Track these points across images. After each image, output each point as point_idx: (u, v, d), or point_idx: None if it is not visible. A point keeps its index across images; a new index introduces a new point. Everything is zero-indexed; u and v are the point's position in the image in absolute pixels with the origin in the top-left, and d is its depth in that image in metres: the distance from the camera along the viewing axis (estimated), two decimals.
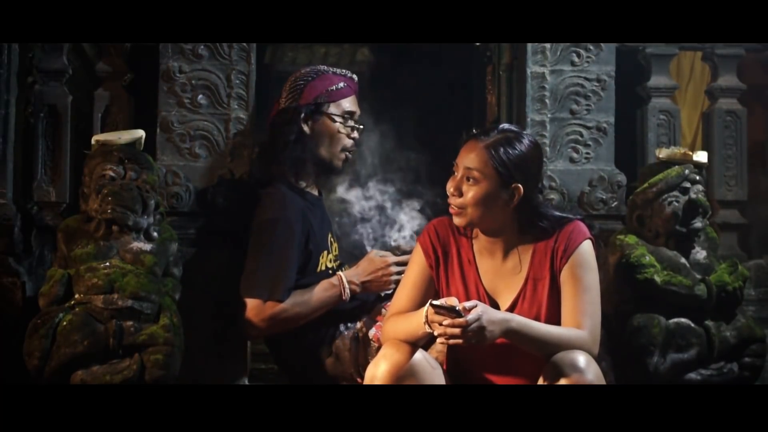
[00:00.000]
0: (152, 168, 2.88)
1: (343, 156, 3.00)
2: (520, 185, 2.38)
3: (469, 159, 2.39)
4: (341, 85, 3.00)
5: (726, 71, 3.55)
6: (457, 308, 2.23)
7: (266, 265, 2.82)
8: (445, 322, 2.22)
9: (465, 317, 2.21)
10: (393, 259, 2.91)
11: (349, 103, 3.00)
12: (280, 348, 2.96)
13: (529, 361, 2.37)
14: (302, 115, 2.96)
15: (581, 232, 2.42)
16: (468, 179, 2.38)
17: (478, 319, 2.21)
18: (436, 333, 2.25)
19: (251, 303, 2.80)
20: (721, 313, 2.97)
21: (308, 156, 2.96)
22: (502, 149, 2.37)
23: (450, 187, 2.42)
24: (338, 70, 3.06)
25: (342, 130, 2.97)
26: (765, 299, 3.41)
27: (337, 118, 2.97)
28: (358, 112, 3.03)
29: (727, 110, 3.54)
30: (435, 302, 2.26)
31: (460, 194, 2.40)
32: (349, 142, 2.99)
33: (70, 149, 3.29)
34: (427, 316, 2.28)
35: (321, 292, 2.86)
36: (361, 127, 3.03)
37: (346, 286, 2.87)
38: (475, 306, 2.24)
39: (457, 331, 2.21)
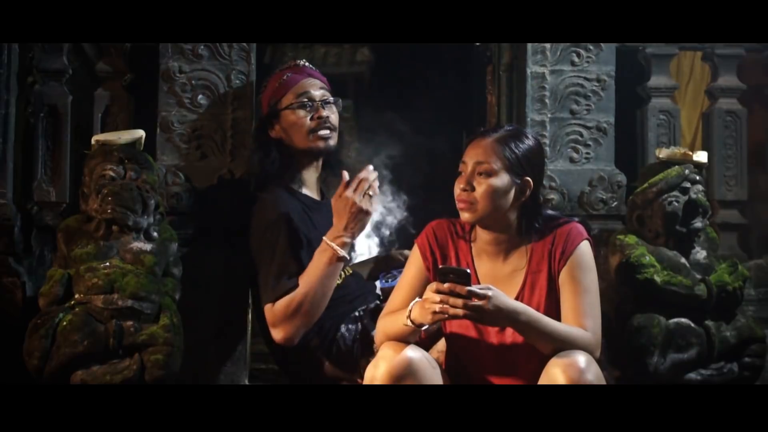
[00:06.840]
0: (152, 168, 2.88)
1: (318, 136, 2.95)
2: (530, 179, 2.40)
3: (479, 153, 2.38)
4: (285, 77, 2.99)
5: (726, 71, 3.55)
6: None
7: (272, 266, 2.80)
8: (446, 285, 2.20)
9: (471, 287, 2.20)
10: (350, 191, 2.77)
11: (300, 87, 2.97)
12: (280, 349, 2.95)
13: (529, 362, 2.36)
14: (265, 126, 2.99)
15: (579, 233, 2.42)
16: (480, 174, 2.37)
17: (485, 297, 2.21)
18: (436, 309, 2.22)
19: (266, 310, 2.80)
20: (721, 313, 2.97)
21: (290, 160, 2.96)
22: (512, 143, 2.39)
23: (460, 183, 2.40)
24: (284, 65, 3.06)
25: (303, 114, 2.95)
26: (765, 299, 3.41)
27: (293, 106, 2.95)
28: (317, 91, 2.98)
29: (727, 110, 3.54)
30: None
31: (472, 189, 2.38)
32: (314, 123, 2.95)
33: (70, 149, 3.29)
34: (410, 311, 2.29)
35: (315, 262, 2.80)
36: (330, 100, 2.99)
37: (332, 243, 2.79)
38: (488, 287, 2.24)
39: (459, 302, 2.20)
